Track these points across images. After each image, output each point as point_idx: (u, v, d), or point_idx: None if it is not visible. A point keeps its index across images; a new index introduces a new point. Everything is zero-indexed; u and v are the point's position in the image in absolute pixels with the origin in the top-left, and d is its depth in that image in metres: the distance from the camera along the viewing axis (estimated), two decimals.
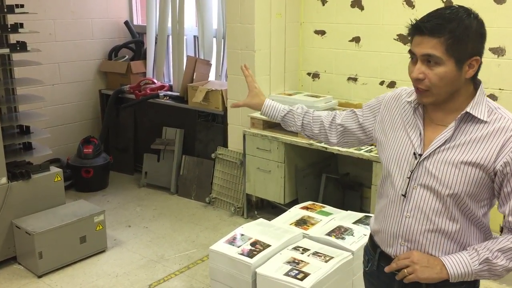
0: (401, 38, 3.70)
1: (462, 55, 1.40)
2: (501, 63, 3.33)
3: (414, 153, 1.53)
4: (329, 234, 2.59)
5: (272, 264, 2.36)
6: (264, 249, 2.46)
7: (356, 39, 3.97)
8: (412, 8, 3.60)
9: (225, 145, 4.43)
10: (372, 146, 3.43)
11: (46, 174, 3.67)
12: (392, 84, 3.84)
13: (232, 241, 2.54)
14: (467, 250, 1.50)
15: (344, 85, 4.11)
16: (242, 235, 2.61)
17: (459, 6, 1.45)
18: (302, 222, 2.78)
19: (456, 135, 1.48)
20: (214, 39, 4.81)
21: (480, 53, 1.44)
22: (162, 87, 5.06)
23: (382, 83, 3.90)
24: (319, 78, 4.27)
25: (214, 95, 4.38)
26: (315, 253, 2.43)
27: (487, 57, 3.36)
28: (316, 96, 4.01)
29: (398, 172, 1.56)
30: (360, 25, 3.92)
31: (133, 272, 3.44)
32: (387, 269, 1.58)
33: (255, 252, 2.42)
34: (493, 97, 3.38)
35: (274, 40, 4.09)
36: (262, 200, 4.27)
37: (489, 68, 3.36)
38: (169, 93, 4.98)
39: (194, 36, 5.08)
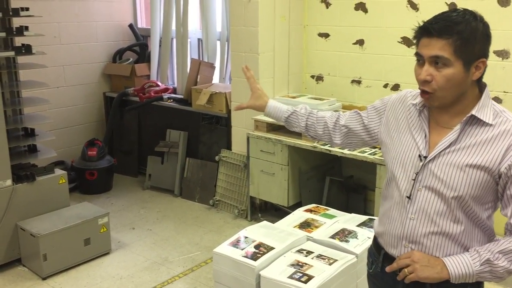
0: (405, 40, 3.70)
1: (470, 57, 1.41)
2: (506, 66, 3.33)
3: (419, 155, 1.53)
4: (333, 236, 2.59)
5: (276, 266, 2.36)
6: (268, 251, 2.45)
7: (360, 42, 3.98)
8: (416, 11, 3.60)
9: (229, 147, 4.43)
10: (376, 149, 3.43)
11: (51, 177, 3.68)
12: (396, 87, 3.84)
13: (236, 244, 2.54)
14: (468, 251, 1.50)
15: (348, 87, 4.11)
16: (246, 237, 2.61)
17: (464, 9, 1.46)
18: (306, 225, 2.78)
19: (461, 138, 1.48)
20: (218, 42, 4.82)
21: (486, 55, 1.45)
22: (166, 90, 5.07)
23: (386, 85, 3.89)
24: (323, 80, 4.27)
25: (218, 97, 4.39)
26: (319, 256, 2.43)
27: (492, 59, 3.34)
28: (320, 99, 4.01)
29: (403, 174, 1.57)
30: (364, 28, 3.92)
31: (137, 275, 3.44)
32: (388, 268, 1.58)
33: (259, 255, 2.42)
34: (497, 99, 3.37)
35: (278, 43, 4.10)
36: (266, 202, 4.27)
37: (494, 71, 3.35)
38: (173, 95, 4.99)
39: (198, 39, 5.09)
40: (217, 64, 4.87)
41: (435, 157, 1.50)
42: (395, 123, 1.65)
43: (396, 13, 3.71)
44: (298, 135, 3.72)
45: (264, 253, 2.44)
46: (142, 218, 4.34)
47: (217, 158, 4.44)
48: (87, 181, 4.79)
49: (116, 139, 5.39)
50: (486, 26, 1.44)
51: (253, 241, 2.55)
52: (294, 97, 4.11)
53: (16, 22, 3.58)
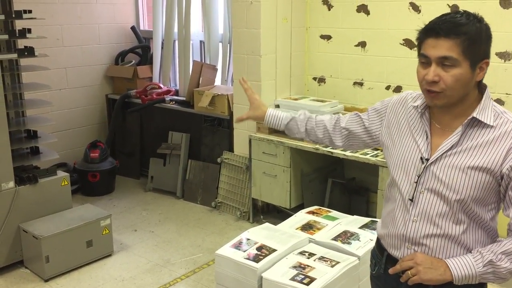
0: (407, 42, 3.70)
1: (476, 57, 1.42)
2: (508, 68, 3.33)
3: (421, 158, 1.53)
4: (335, 239, 2.59)
5: (278, 268, 2.36)
6: (270, 253, 2.45)
7: (362, 44, 3.98)
8: (418, 13, 3.60)
9: (231, 149, 4.43)
10: (378, 151, 3.42)
11: (53, 179, 3.69)
12: (398, 89, 3.83)
13: (238, 246, 2.54)
14: (471, 252, 1.50)
15: (350, 89, 4.11)
16: (248, 239, 2.61)
17: (464, 11, 1.47)
18: (308, 227, 2.77)
19: (463, 140, 1.48)
20: (220, 44, 4.83)
21: (489, 56, 1.46)
22: (168, 92, 5.08)
23: (388, 87, 3.89)
24: (325, 82, 4.27)
25: (220, 99, 4.39)
26: (321, 258, 2.43)
27: (494, 61, 3.35)
28: (322, 101, 4.01)
29: (405, 176, 1.57)
30: (366, 30, 3.93)
31: (139, 276, 3.45)
32: (391, 270, 1.58)
33: (261, 257, 2.42)
34: (499, 101, 3.37)
35: (280, 45, 4.10)
36: (268, 204, 4.27)
37: (496, 73, 3.35)
38: (175, 97, 4.99)
39: (200, 41, 5.10)
40: (219, 66, 4.88)
41: (437, 159, 1.50)
42: (397, 125, 1.65)
43: (398, 15, 3.72)
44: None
45: (266, 255, 2.43)
46: (144, 220, 4.34)
47: (219, 160, 4.44)
48: (89, 183, 4.80)
49: (118, 141, 5.40)
50: (488, 27, 1.46)
51: (255, 243, 2.55)
52: (296, 99, 4.11)
53: (19, 24, 3.59)
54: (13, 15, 3.48)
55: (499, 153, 1.43)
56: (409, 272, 1.51)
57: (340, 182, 4.05)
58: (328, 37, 4.17)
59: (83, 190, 4.86)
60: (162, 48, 5.27)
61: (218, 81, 4.89)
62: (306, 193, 3.96)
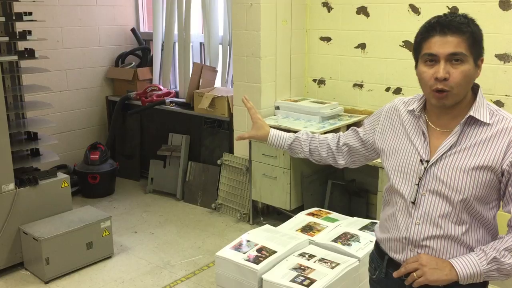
0: (406, 44, 3.71)
1: (478, 54, 1.46)
2: (507, 70, 3.33)
3: (421, 160, 1.54)
4: (335, 240, 2.59)
5: (278, 270, 2.36)
6: (270, 255, 2.46)
7: (362, 46, 3.98)
8: (418, 15, 3.61)
9: (231, 151, 4.44)
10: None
11: (53, 180, 3.69)
12: (398, 91, 3.84)
13: (238, 247, 2.55)
14: (474, 251, 1.51)
15: (349, 91, 4.12)
16: (248, 241, 2.61)
17: (458, 13, 1.50)
18: (308, 229, 2.78)
19: (461, 140, 1.49)
20: (220, 46, 4.83)
21: (483, 53, 1.50)
22: (168, 94, 5.09)
23: (388, 89, 3.90)
24: (324, 84, 4.28)
25: (220, 101, 4.40)
26: (321, 260, 2.43)
27: (493, 63, 3.35)
28: (322, 103, 4.02)
29: (406, 180, 1.57)
30: (366, 32, 3.93)
31: (139, 278, 3.45)
32: (395, 274, 1.58)
33: (261, 258, 2.42)
34: (499, 103, 3.37)
35: (280, 46, 4.11)
36: (268, 206, 4.27)
37: (495, 75, 3.36)
38: (175, 99, 5.00)
39: (200, 43, 5.11)
40: (219, 68, 4.89)
41: (437, 160, 1.51)
42: (392, 130, 1.66)
43: (398, 17, 3.72)
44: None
45: (266, 257, 2.44)
46: (144, 222, 4.34)
47: (219, 161, 4.45)
48: (89, 184, 4.80)
49: (119, 143, 5.40)
50: (480, 28, 1.50)
51: (255, 245, 2.55)
52: (296, 101, 4.12)
53: (19, 26, 3.60)
54: (14, 17, 3.49)
55: (499, 150, 1.45)
56: (414, 274, 1.51)
57: (340, 183, 4.06)
58: (327, 39, 4.18)
59: (83, 192, 4.86)
60: (162, 50, 5.28)
61: (218, 83, 4.90)
62: (306, 195, 3.96)
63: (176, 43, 5.13)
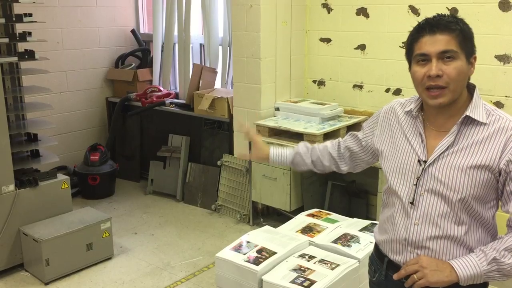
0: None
1: (469, 51, 1.49)
2: (507, 71, 3.33)
3: (418, 160, 1.54)
4: (335, 241, 2.59)
5: (278, 271, 2.36)
6: (270, 256, 2.46)
7: (362, 47, 3.99)
8: (418, 16, 3.61)
9: (231, 152, 4.44)
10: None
11: (53, 182, 3.69)
12: (397, 92, 3.84)
13: (238, 248, 2.55)
14: (474, 252, 1.51)
15: (349, 92, 4.12)
16: (248, 242, 2.61)
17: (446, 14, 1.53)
18: (308, 230, 2.78)
19: (458, 139, 1.50)
20: (220, 47, 4.83)
21: (475, 51, 1.52)
22: (168, 95, 5.09)
23: (387, 90, 3.90)
24: (324, 85, 4.28)
25: (220, 102, 4.40)
26: (321, 261, 2.43)
27: (493, 64, 3.35)
28: (322, 104, 4.02)
29: (404, 180, 1.57)
30: (366, 33, 3.93)
31: (139, 280, 3.45)
32: (396, 276, 1.58)
33: (261, 260, 2.42)
34: (499, 104, 3.37)
35: (280, 48, 4.11)
36: (268, 207, 4.27)
37: (495, 76, 3.36)
38: (175, 100, 5.00)
39: (200, 44, 5.11)
40: (219, 69, 4.89)
41: (434, 160, 1.51)
42: (390, 132, 1.67)
43: (398, 18, 3.73)
44: (300, 139, 3.73)
45: (266, 258, 2.44)
46: (144, 223, 4.34)
47: (219, 162, 4.45)
48: (89, 186, 4.80)
49: (119, 144, 5.40)
50: (469, 26, 1.53)
51: (255, 246, 2.55)
52: (295, 102, 4.12)
53: (19, 27, 3.60)
54: (14, 19, 3.49)
55: (495, 149, 1.46)
56: (414, 276, 1.51)
57: (340, 184, 4.06)
58: (327, 40, 4.18)
59: (83, 193, 4.86)
60: (162, 51, 5.28)
61: (218, 84, 4.90)
62: (306, 196, 3.97)
63: (176, 44, 5.13)
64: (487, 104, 1.52)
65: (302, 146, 1.97)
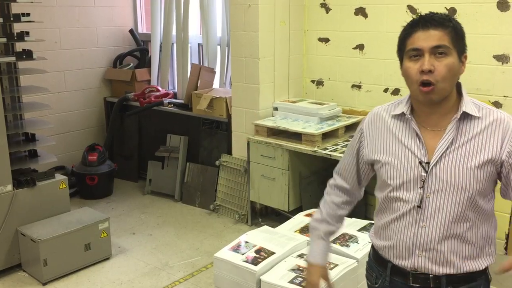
0: None
1: (461, 48, 1.49)
2: (506, 70, 3.33)
3: (420, 163, 1.51)
4: (333, 241, 2.59)
5: (277, 271, 2.36)
6: (268, 256, 2.45)
7: (360, 47, 3.98)
8: (416, 16, 3.61)
9: (229, 152, 4.43)
10: None
11: (51, 182, 3.68)
12: (396, 92, 3.84)
13: (236, 249, 2.54)
14: None
15: (348, 92, 4.12)
16: (247, 242, 2.61)
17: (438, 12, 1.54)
18: (306, 230, 2.77)
19: (458, 136, 1.50)
20: (219, 47, 4.83)
21: (466, 50, 1.52)
22: (166, 95, 5.08)
23: (386, 90, 3.90)
24: (323, 85, 4.28)
25: (218, 102, 4.39)
26: None
27: (491, 64, 3.36)
28: (320, 104, 4.02)
29: (408, 185, 1.54)
30: (364, 33, 3.93)
31: (137, 280, 3.44)
32: (500, 269, 1.45)
33: (259, 260, 2.42)
34: (497, 104, 3.38)
35: (278, 47, 4.11)
36: (266, 207, 4.27)
37: (494, 75, 3.36)
38: (174, 100, 4.99)
39: (199, 44, 5.11)
40: (218, 69, 4.88)
41: (437, 160, 1.50)
42: (380, 139, 1.62)
43: (396, 18, 3.73)
44: (299, 139, 3.72)
45: (264, 258, 2.43)
46: (142, 223, 4.34)
47: (217, 162, 4.44)
48: (87, 186, 4.79)
49: (117, 144, 5.39)
50: (461, 25, 1.53)
51: (254, 246, 2.55)
52: (294, 102, 4.11)
53: (17, 27, 3.59)
54: (11, 18, 3.48)
55: (495, 142, 1.47)
56: None
57: None
58: (326, 40, 4.18)
59: (81, 193, 4.86)
60: (160, 51, 5.28)
61: (216, 84, 4.89)
62: (304, 196, 3.96)
63: (174, 44, 5.13)
64: (473, 99, 1.54)
65: (317, 221, 1.82)
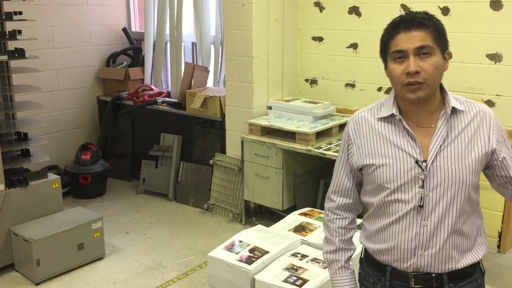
0: None
1: (444, 46, 1.51)
2: (498, 69, 3.35)
3: (417, 162, 1.50)
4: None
5: (271, 270, 2.36)
6: (262, 255, 2.45)
7: (354, 46, 3.99)
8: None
9: (223, 151, 4.43)
10: None
11: (44, 181, 3.66)
12: (389, 90, 3.83)
13: (230, 248, 2.54)
14: None
15: (342, 91, 4.12)
16: (241, 241, 2.61)
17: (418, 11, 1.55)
18: (300, 228, 2.78)
19: (450, 131, 1.52)
20: (212, 46, 4.82)
21: (448, 47, 1.54)
22: (160, 94, 5.07)
23: (379, 89, 3.91)
24: (317, 84, 4.28)
25: (212, 101, 4.38)
26: (314, 260, 2.43)
27: (484, 63, 3.37)
28: (314, 102, 4.02)
29: (407, 186, 1.52)
30: (358, 32, 3.94)
31: (131, 279, 3.43)
32: None
33: (253, 259, 2.42)
34: (490, 103, 3.39)
35: (272, 46, 4.11)
36: (260, 206, 4.27)
37: (487, 74, 3.38)
38: (167, 99, 4.98)
39: (192, 43, 5.10)
40: (211, 68, 4.88)
41: (434, 158, 1.50)
42: (370, 143, 1.59)
43: (389, 17, 3.68)
44: (292, 138, 3.73)
45: (258, 257, 2.43)
46: (136, 223, 4.32)
47: (211, 162, 4.43)
48: (80, 185, 4.77)
49: (110, 143, 5.37)
50: (441, 22, 1.55)
51: (248, 245, 2.55)
52: (288, 101, 4.11)
53: (9, 26, 3.57)
54: (3, 17, 3.46)
55: (483, 133, 1.52)
56: None
57: None
58: (320, 39, 4.18)
59: (74, 193, 4.83)
60: (154, 49, 5.26)
61: (210, 82, 4.89)
62: (298, 195, 3.96)
63: (168, 43, 5.11)
64: (452, 94, 1.57)
65: (328, 250, 1.76)
